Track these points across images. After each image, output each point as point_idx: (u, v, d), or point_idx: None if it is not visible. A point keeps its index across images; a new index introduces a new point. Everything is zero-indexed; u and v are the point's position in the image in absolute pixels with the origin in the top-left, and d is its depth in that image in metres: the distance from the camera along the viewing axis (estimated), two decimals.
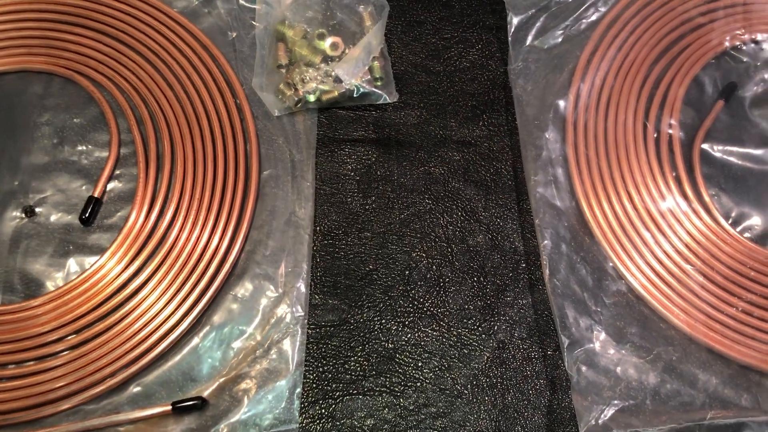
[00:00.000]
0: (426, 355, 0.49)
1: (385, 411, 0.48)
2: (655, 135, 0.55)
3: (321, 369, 0.49)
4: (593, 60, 0.56)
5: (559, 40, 0.57)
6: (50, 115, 0.55)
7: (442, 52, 0.58)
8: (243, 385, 0.48)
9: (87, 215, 0.51)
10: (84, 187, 0.53)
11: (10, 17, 0.57)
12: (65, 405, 0.47)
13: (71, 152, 0.54)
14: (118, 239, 0.51)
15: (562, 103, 0.55)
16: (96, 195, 0.52)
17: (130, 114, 0.54)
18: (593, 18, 0.58)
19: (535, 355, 0.49)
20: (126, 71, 0.56)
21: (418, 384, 0.49)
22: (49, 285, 0.50)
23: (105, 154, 0.54)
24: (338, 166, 0.54)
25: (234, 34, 0.58)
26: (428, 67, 0.58)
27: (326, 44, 0.55)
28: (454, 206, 0.53)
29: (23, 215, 0.52)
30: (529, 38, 0.57)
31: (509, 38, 0.57)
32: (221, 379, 0.48)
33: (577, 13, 0.58)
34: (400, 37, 0.58)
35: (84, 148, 0.54)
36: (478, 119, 0.56)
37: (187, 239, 0.51)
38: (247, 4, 0.58)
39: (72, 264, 0.51)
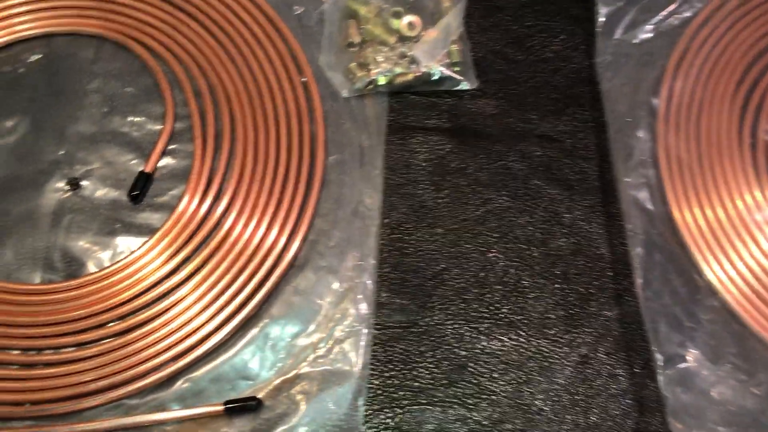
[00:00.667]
0: (502, 366, 0.45)
1: (456, 425, 0.43)
2: (751, 141, 0.51)
3: (387, 374, 0.44)
4: (686, 58, 0.52)
5: (651, 35, 0.53)
6: (100, 82, 0.51)
7: (524, 40, 0.54)
8: (302, 387, 0.43)
9: (137, 192, 0.47)
10: (134, 162, 0.49)
11: None
12: (105, 398, 0.42)
13: (121, 123, 0.50)
14: (169, 220, 0.46)
15: (654, 101, 0.51)
16: (147, 170, 0.48)
17: (187, 86, 0.50)
18: (687, 14, 0.54)
19: (621, 372, 0.45)
20: (184, 40, 0.51)
21: (494, 397, 0.44)
22: (92, 265, 0.46)
23: (158, 127, 0.50)
24: (409, 155, 0.50)
25: (300, 9, 0.53)
26: (508, 55, 0.54)
27: (402, 23, 0.51)
28: (534, 205, 0.49)
29: (67, 188, 0.48)
30: (618, 31, 0.53)
31: (597, 30, 0.53)
32: (278, 379, 0.43)
33: (670, 8, 0.53)
34: (479, 22, 0.54)
35: (135, 119, 0.50)
36: (562, 113, 0.52)
37: (246, 224, 0.47)
38: None
39: (118, 244, 0.47)
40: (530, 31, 0.55)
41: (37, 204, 0.47)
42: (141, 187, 0.47)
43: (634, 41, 0.53)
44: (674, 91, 0.51)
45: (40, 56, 0.51)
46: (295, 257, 0.46)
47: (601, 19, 0.53)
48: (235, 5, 0.53)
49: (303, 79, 0.51)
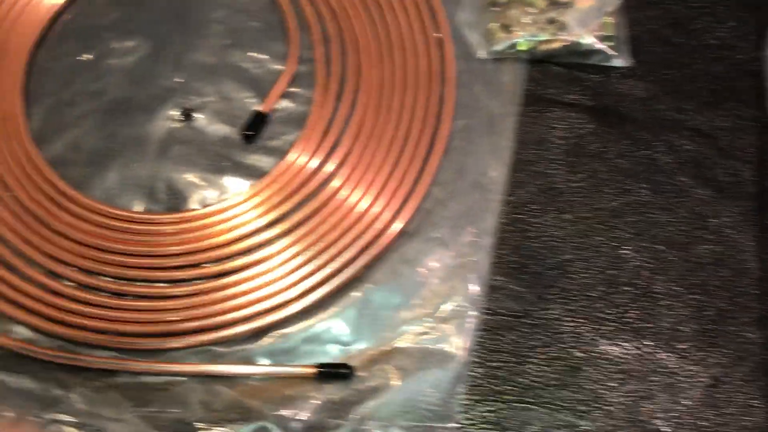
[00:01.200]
0: (621, 375, 0.40)
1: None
2: None
3: (493, 364, 0.40)
4: None
5: None
6: (225, 13, 0.48)
7: (686, 22, 0.49)
8: (398, 362, 0.40)
9: (251, 132, 0.44)
10: (251, 100, 0.46)
11: None
12: (191, 341, 0.40)
13: (242, 58, 0.47)
14: (278, 167, 0.43)
15: None
16: (263, 110, 0.45)
17: (315, 28, 0.47)
18: None
19: (757, 403, 0.39)
20: None
21: (608, 408, 0.39)
22: (194, 201, 0.44)
23: (279, 67, 0.47)
24: (544, 130, 0.46)
25: None
26: (666, 36, 0.48)
27: None
28: (678, 204, 0.44)
29: (180, 117, 0.45)
30: None
31: None
32: (374, 350, 0.40)
33: None
34: None
35: (257, 55, 0.47)
36: (719, 107, 0.46)
37: (358, 182, 0.43)
38: None
39: (224, 183, 0.44)
40: (695, 13, 0.49)
41: (146, 130, 0.45)
42: (255, 127, 0.45)
43: None
44: None
45: None
46: (407, 224, 0.43)
47: None
48: None
49: (437, 35, 0.47)
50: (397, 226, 0.42)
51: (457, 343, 0.40)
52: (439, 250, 0.42)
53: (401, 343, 0.40)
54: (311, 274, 0.41)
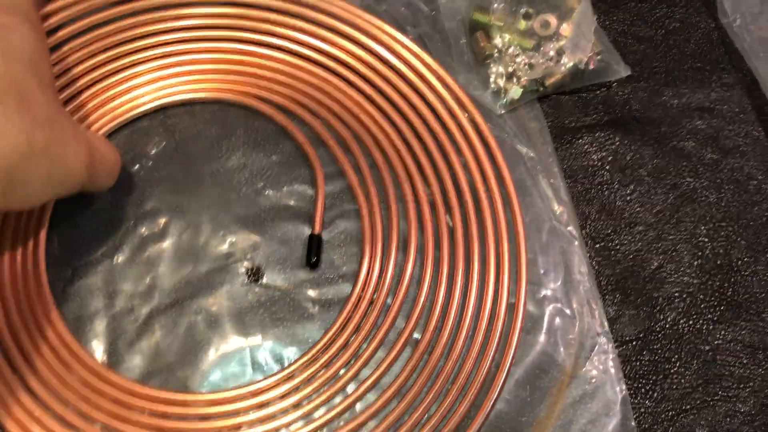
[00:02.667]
0: (748, 349, 0.44)
1: (727, 421, 0.42)
2: None
3: (643, 390, 0.42)
4: None
5: None
6: (241, 159, 0.45)
7: (646, 15, 0.52)
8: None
9: (312, 257, 0.43)
10: (307, 233, 0.44)
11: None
12: None
13: (280, 195, 0.45)
14: (354, 291, 0.42)
15: None
16: (316, 232, 0.43)
17: (331, 142, 0.45)
18: None
19: None
20: (315, 91, 0.46)
21: (751, 384, 0.43)
22: (290, 357, 0.41)
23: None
24: (581, 157, 0.48)
25: (418, 30, 0.50)
26: (637, 33, 0.52)
27: (536, 24, 0.48)
28: (718, 179, 0.48)
29: (248, 280, 0.43)
30: None
31: None
32: (541, 426, 0.41)
33: None
34: (599, 6, 0.52)
35: (294, 187, 0.45)
36: (709, 81, 0.50)
37: (453, 291, 0.42)
38: None
39: (316, 325, 0.42)
40: (650, 5, 0.53)
41: (218, 308, 0.42)
42: (315, 251, 0.43)
43: None
44: None
45: (163, 144, 0.45)
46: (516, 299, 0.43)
47: None
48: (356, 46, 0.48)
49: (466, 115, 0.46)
50: (521, 314, 0.42)
51: (611, 386, 0.42)
52: (553, 308, 0.43)
53: (564, 412, 0.41)
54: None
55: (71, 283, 0.42)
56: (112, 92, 0.45)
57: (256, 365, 0.41)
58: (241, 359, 0.41)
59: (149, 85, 0.45)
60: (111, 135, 0.45)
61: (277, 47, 0.47)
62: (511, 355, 0.41)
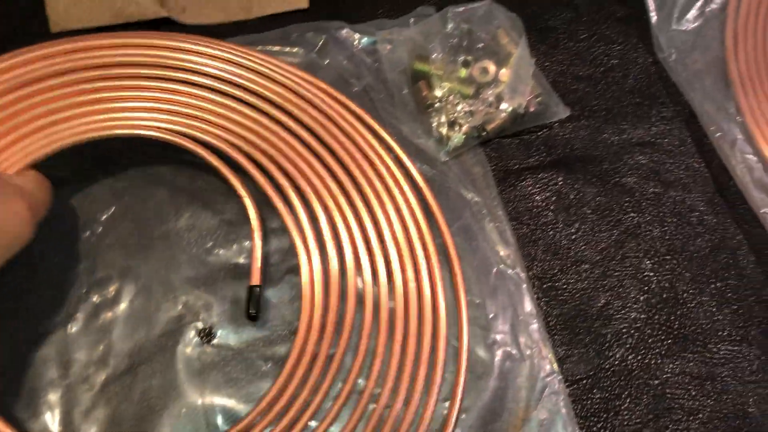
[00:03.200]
0: (696, 381, 0.44)
1: None
2: None
3: (595, 429, 0.43)
4: (738, 31, 0.53)
5: (702, 18, 0.54)
6: (190, 220, 0.46)
7: (584, 54, 0.54)
8: None
9: (252, 311, 0.43)
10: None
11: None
12: None
13: (230, 253, 0.46)
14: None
15: (729, 78, 0.52)
16: (253, 283, 0.44)
17: (276, 198, 0.46)
18: None
19: None
20: (252, 135, 0.47)
21: (701, 415, 0.44)
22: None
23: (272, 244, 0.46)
24: (525, 199, 0.49)
25: (363, 82, 0.51)
26: (576, 73, 0.53)
27: (475, 71, 0.50)
28: (661, 213, 0.49)
29: (201, 341, 0.43)
30: (673, 22, 0.53)
31: (653, 27, 0.53)
32: None
33: None
34: (537, 48, 0.53)
35: (243, 245, 0.46)
36: (648, 116, 0.52)
37: (394, 338, 0.43)
38: (366, 46, 0.52)
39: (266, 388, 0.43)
40: (587, 44, 0.54)
41: (173, 371, 0.43)
42: (255, 303, 0.43)
43: (691, 27, 0.53)
44: (741, 64, 0.52)
45: (113, 209, 0.46)
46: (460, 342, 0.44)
47: (654, 15, 0.53)
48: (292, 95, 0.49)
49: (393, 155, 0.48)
50: (464, 363, 0.43)
51: (564, 428, 0.42)
52: (503, 351, 0.44)
53: None
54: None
55: (24, 355, 0.42)
56: (31, 126, 0.44)
57: (211, 427, 0.42)
58: (196, 423, 0.41)
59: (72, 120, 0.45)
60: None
61: (210, 87, 0.47)
62: (458, 400, 0.42)
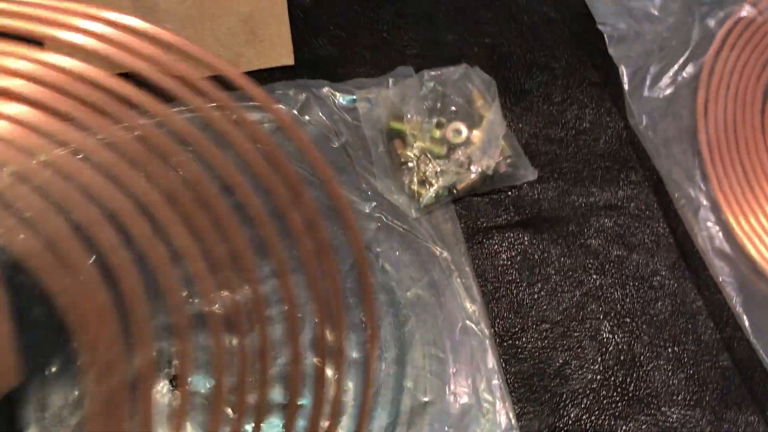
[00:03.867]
0: None
1: None
2: None
3: None
4: (709, 100, 0.55)
5: (674, 86, 0.56)
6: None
7: (557, 117, 0.56)
8: None
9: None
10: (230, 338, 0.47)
11: None
12: None
13: (207, 301, 0.48)
14: None
15: (697, 147, 0.53)
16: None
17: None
18: (702, 58, 0.57)
19: (756, 419, 0.47)
20: None
21: None
22: None
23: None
24: (492, 257, 0.51)
25: (342, 139, 0.53)
26: (548, 135, 0.55)
27: (448, 132, 0.52)
28: (623, 277, 0.50)
29: (171, 386, 0.45)
30: (645, 90, 0.55)
31: (626, 93, 0.55)
32: None
33: (684, 56, 0.56)
34: (511, 110, 0.55)
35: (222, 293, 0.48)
36: (617, 180, 0.54)
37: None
38: (346, 104, 0.54)
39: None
40: (561, 107, 0.56)
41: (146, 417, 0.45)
42: None
43: (663, 95, 0.55)
44: (710, 134, 0.54)
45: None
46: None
47: (626, 82, 0.55)
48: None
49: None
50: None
51: None
52: (466, 406, 0.46)
53: None
54: None
55: (6, 395, 0.44)
56: None
57: None
58: None
59: None
60: None
61: None
62: None
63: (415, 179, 0.51)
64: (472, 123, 0.52)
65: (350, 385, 0.46)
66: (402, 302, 0.49)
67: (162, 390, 0.45)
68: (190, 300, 0.48)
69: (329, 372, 0.46)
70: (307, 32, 0.56)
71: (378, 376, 0.47)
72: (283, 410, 0.45)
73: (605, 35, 0.56)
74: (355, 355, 0.47)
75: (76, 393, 0.45)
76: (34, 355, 0.46)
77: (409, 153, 0.52)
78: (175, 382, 0.46)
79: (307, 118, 0.53)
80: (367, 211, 0.51)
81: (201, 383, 0.46)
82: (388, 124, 0.53)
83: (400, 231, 0.50)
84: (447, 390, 0.46)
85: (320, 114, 0.54)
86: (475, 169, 0.51)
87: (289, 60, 0.55)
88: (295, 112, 0.53)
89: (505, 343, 0.48)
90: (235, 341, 0.46)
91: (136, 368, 0.45)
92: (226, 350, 0.46)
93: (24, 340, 0.46)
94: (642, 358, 0.48)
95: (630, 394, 0.47)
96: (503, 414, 0.46)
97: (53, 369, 0.45)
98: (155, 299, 0.48)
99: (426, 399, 0.46)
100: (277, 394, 0.45)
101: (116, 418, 0.40)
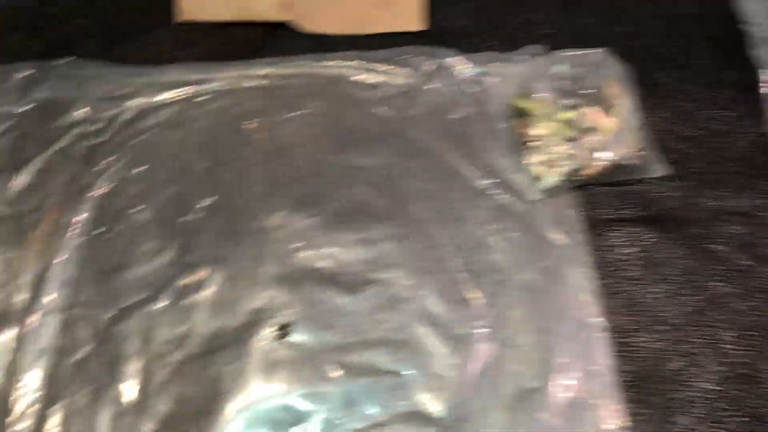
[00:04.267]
0: None
1: None
2: None
3: None
4: None
5: None
6: (283, 216, 0.48)
7: (691, 115, 0.53)
8: None
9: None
10: (342, 299, 0.46)
11: None
12: None
13: (315, 256, 0.47)
14: None
15: None
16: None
17: None
18: None
19: None
20: None
21: None
22: (318, 421, 0.43)
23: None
24: (612, 250, 0.48)
25: (461, 112, 0.52)
26: (680, 132, 0.52)
27: (579, 116, 0.50)
28: (750, 288, 0.47)
29: (277, 335, 0.45)
30: None
31: (763, 99, 0.52)
32: None
33: None
34: (644, 102, 0.53)
35: (329, 250, 0.47)
36: (750, 186, 0.51)
37: None
38: (472, 76, 0.53)
39: (346, 390, 0.44)
40: (695, 106, 0.53)
41: (247, 361, 0.44)
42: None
43: None
44: None
45: (210, 199, 0.48)
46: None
47: (764, 87, 0.52)
48: None
49: None
50: None
51: None
52: (568, 398, 0.44)
53: None
54: None
55: (111, 325, 0.44)
56: None
57: (272, 422, 0.43)
58: (258, 414, 0.43)
59: None
60: None
61: None
62: None
63: (539, 160, 0.49)
64: (604, 109, 0.50)
65: (454, 360, 0.44)
66: (514, 284, 0.47)
67: (265, 339, 0.45)
68: (303, 253, 0.48)
69: (436, 342, 0.45)
70: (442, 0, 0.55)
71: (482, 356, 0.45)
72: (386, 376, 0.44)
73: (749, 36, 0.53)
74: (460, 330, 0.45)
75: (182, 330, 0.44)
76: (143, 289, 0.45)
77: (534, 132, 0.50)
78: (280, 332, 0.45)
79: (431, 86, 0.52)
80: (483, 187, 0.49)
81: (306, 337, 0.45)
82: (514, 101, 0.51)
83: (517, 212, 0.49)
84: (554, 380, 0.44)
85: (445, 83, 0.52)
86: (604, 157, 0.49)
87: (421, 26, 0.54)
88: (419, 79, 0.52)
89: (619, 341, 0.46)
90: (346, 299, 0.46)
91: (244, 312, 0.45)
92: (334, 307, 0.45)
93: (136, 271, 0.46)
94: (765, 375, 0.45)
95: (748, 412, 0.44)
96: (611, 413, 0.43)
97: (160, 304, 0.45)
98: (266, 246, 0.47)
99: (530, 386, 0.44)
100: (380, 358, 0.44)
101: None
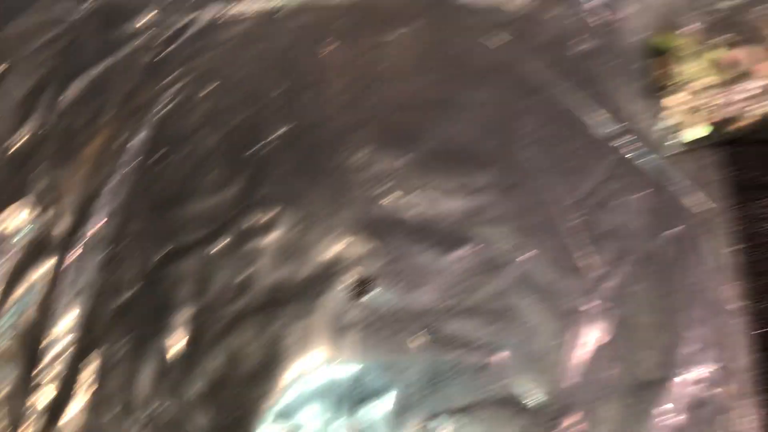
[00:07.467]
0: None
1: None
2: None
3: None
4: None
5: None
6: (368, 152, 0.41)
7: None
8: None
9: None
10: (428, 255, 0.39)
11: None
12: None
13: (402, 204, 0.40)
14: None
15: None
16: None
17: None
18: None
19: None
20: None
21: None
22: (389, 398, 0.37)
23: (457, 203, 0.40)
24: (760, 222, 0.40)
25: (585, 45, 0.43)
26: None
27: (733, 58, 0.41)
28: None
29: (354, 292, 0.38)
30: None
31: None
32: None
33: None
34: None
35: (416, 198, 0.40)
36: None
37: None
38: (601, 3, 0.44)
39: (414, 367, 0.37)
40: None
41: (313, 320, 0.38)
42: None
43: None
44: None
45: (285, 129, 0.42)
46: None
47: None
48: None
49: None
50: None
51: None
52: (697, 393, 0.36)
53: None
54: None
55: (162, 266, 0.39)
56: None
57: (336, 397, 0.36)
58: (320, 386, 0.37)
59: None
60: None
61: None
62: None
63: (680, 108, 0.41)
64: (765, 50, 0.41)
65: (560, 339, 0.37)
66: (637, 254, 0.39)
67: (338, 296, 0.38)
68: (389, 198, 0.41)
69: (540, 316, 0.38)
70: None
71: (594, 337, 0.38)
72: (477, 351, 0.37)
73: None
74: (569, 304, 0.38)
75: (242, 278, 0.38)
76: (202, 226, 0.40)
77: (677, 74, 0.41)
78: (357, 289, 0.38)
79: (551, 13, 0.44)
80: (608, 136, 0.41)
81: (387, 298, 0.38)
82: (653, 37, 0.43)
83: (648, 168, 0.41)
84: (678, 373, 0.37)
85: (565, 12, 0.44)
86: (761, 109, 0.40)
87: None
88: (537, 4, 0.44)
89: (762, 332, 0.38)
90: (437, 256, 0.39)
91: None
92: (423, 264, 0.39)
93: (195, 205, 0.40)
94: None
95: None
96: (748, 415, 0.36)
97: (219, 246, 0.39)
98: (347, 186, 0.41)
99: (650, 377, 0.37)
100: (472, 331, 0.37)
101: None
